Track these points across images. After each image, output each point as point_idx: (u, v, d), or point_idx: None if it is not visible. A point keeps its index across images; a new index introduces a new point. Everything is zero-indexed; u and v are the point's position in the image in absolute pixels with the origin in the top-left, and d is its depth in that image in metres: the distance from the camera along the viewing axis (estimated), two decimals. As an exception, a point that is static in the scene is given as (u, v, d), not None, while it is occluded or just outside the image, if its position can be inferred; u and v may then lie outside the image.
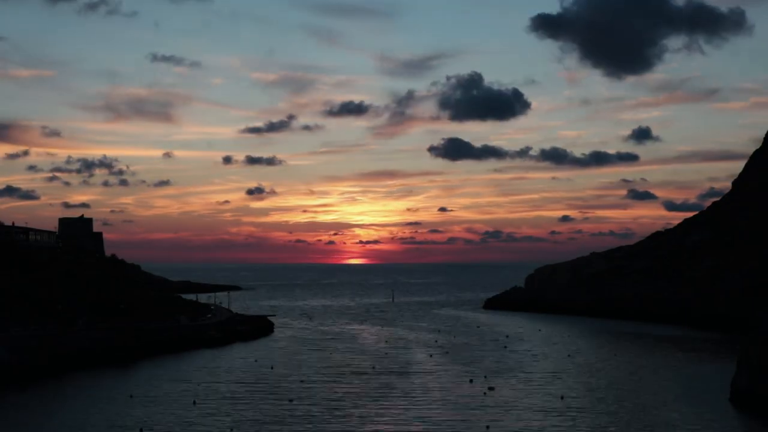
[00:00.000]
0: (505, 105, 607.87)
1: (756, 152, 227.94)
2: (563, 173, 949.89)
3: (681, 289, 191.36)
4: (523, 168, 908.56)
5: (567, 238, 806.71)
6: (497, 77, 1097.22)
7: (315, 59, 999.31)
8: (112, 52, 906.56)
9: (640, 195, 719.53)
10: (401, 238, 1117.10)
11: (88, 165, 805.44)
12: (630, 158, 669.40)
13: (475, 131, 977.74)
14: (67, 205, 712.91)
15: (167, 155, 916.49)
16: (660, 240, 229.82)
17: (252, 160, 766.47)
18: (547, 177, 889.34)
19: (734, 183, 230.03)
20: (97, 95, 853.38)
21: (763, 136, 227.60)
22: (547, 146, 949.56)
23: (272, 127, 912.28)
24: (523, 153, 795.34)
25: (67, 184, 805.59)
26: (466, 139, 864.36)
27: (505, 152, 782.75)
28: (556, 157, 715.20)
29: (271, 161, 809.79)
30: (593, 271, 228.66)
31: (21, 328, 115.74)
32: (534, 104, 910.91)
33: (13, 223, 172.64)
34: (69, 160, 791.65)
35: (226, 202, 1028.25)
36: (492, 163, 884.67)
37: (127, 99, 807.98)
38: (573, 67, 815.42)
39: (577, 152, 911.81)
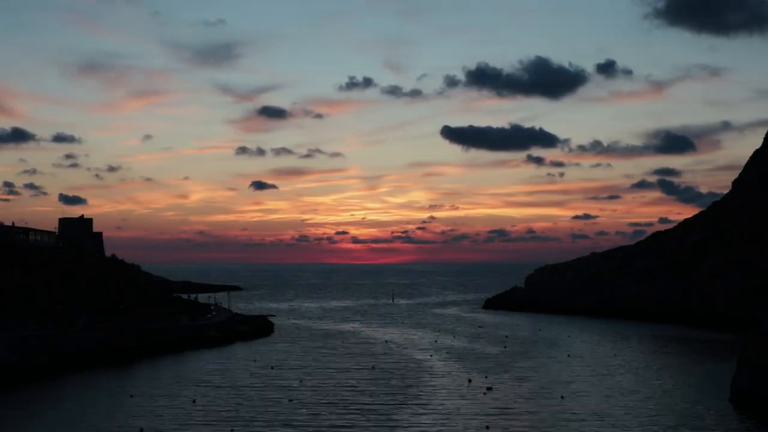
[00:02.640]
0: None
1: (756, 152, 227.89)
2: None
3: (681, 289, 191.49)
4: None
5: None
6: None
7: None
8: None
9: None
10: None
11: None
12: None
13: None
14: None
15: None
16: (660, 240, 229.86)
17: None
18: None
19: (734, 182, 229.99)
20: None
21: None
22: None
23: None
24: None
25: None
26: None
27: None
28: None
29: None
30: (594, 270, 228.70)
31: (21, 328, 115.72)
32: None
33: (14, 223, 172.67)
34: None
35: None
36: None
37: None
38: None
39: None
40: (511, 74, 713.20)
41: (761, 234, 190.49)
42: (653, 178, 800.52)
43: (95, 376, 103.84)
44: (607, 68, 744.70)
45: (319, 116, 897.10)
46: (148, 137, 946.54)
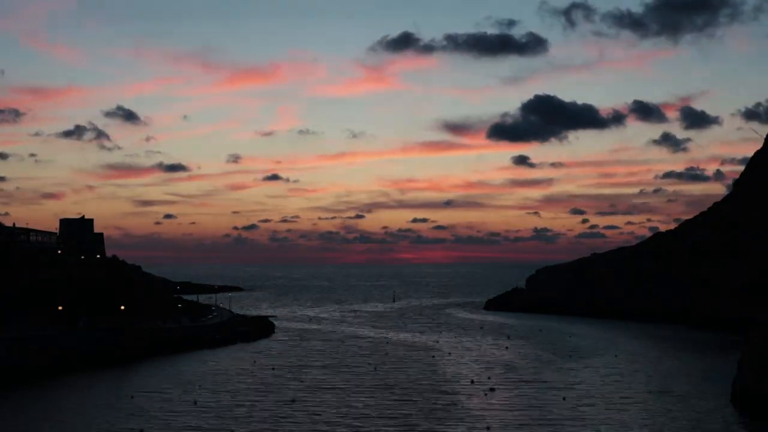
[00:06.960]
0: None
1: (756, 153, 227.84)
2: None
3: (681, 289, 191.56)
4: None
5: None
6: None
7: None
8: None
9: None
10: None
11: None
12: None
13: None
14: None
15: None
16: (661, 241, 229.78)
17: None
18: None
19: (735, 183, 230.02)
20: None
21: None
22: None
23: None
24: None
25: None
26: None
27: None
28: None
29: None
30: (594, 271, 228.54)
31: (22, 329, 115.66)
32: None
33: (14, 224, 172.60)
34: None
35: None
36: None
37: None
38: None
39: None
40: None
41: (761, 234, 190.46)
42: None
43: (96, 376, 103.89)
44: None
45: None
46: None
